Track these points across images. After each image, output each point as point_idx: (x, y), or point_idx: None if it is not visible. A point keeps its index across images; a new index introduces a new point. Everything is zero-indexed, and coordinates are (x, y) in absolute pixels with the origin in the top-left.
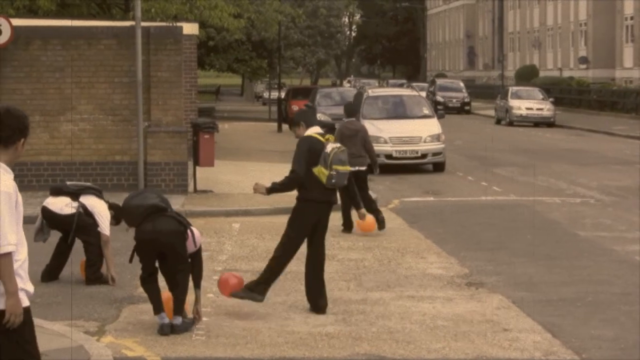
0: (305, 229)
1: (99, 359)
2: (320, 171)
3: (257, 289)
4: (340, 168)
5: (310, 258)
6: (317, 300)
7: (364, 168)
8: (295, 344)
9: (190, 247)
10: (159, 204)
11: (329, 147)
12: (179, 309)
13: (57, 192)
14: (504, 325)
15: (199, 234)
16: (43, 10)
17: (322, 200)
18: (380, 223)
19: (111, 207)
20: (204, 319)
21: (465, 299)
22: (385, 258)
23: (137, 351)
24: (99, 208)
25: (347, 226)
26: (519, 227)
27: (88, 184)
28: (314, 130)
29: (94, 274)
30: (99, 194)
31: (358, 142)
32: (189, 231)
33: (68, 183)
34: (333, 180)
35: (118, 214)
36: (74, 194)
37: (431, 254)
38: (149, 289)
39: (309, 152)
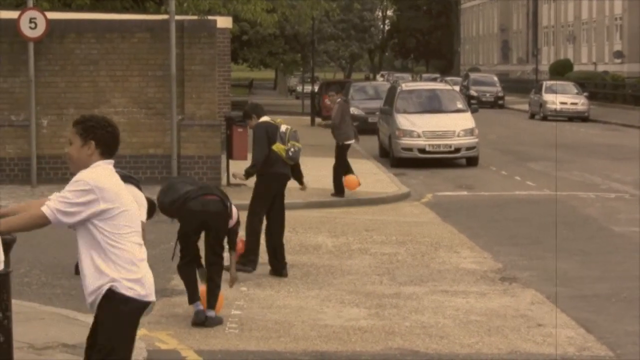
0: (267, 201)
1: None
2: (279, 147)
3: (249, 265)
4: (296, 144)
5: (270, 227)
6: (280, 264)
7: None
8: (328, 337)
9: (231, 224)
10: (190, 189)
11: (283, 127)
12: (212, 303)
13: None
14: (538, 321)
15: (235, 209)
16: (77, 3)
17: (282, 172)
18: None
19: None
20: (237, 312)
21: (499, 293)
22: (418, 252)
23: (171, 344)
24: (140, 198)
25: (339, 191)
26: (553, 222)
27: (129, 173)
28: (265, 119)
29: None
30: (138, 185)
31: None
32: (231, 209)
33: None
34: (290, 154)
35: (152, 210)
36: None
37: (464, 248)
38: (187, 276)
39: (267, 135)
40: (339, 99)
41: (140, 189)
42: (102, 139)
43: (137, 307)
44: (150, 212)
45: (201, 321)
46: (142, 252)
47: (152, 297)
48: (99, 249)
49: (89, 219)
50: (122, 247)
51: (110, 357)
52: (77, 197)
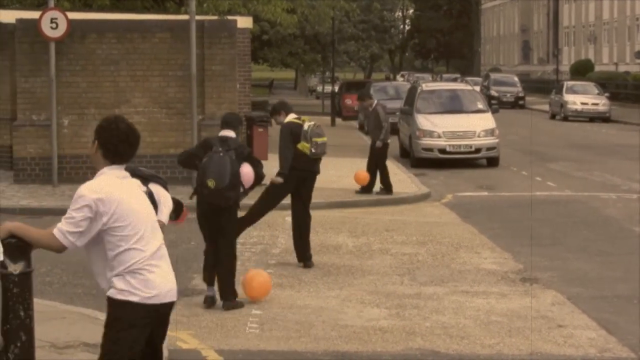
0: (280, 197)
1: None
2: (304, 146)
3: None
4: (319, 140)
5: (299, 222)
6: (305, 255)
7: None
8: (349, 338)
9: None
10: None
11: (306, 125)
12: (225, 293)
13: (130, 173)
14: (559, 322)
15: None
16: (98, 3)
17: (306, 168)
18: None
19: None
20: (258, 312)
21: (520, 294)
22: (439, 253)
23: (191, 343)
24: (165, 197)
25: (388, 189)
26: (574, 222)
27: (156, 173)
28: (292, 117)
29: None
30: (165, 185)
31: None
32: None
33: (140, 168)
34: (314, 150)
35: (179, 211)
36: (145, 179)
37: (485, 249)
38: (209, 259)
39: (291, 134)
40: (375, 102)
41: (166, 189)
42: (105, 140)
43: (139, 311)
44: (177, 213)
45: (208, 305)
46: (149, 255)
47: (162, 299)
48: (102, 254)
49: (98, 233)
50: (122, 255)
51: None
52: (80, 213)
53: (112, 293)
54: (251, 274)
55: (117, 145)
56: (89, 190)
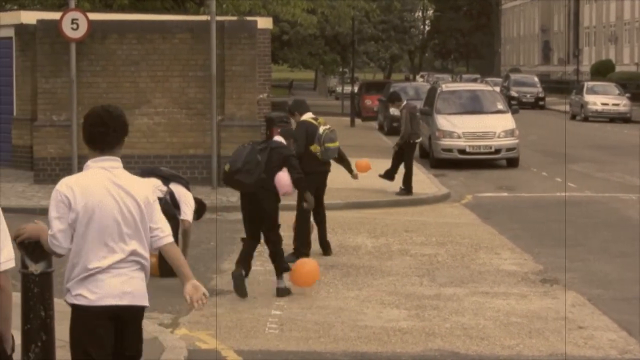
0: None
1: (173, 350)
2: (316, 148)
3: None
4: (331, 145)
5: (322, 219)
6: (326, 247)
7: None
8: (368, 338)
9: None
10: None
11: (321, 129)
12: (280, 273)
13: (148, 173)
14: (579, 323)
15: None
16: (118, 4)
17: (319, 170)
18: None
19: (194, 201)
20: (277, 312)
21: (540, 295)
22: (458, 253)
23: (211, 344)
24: (186, 196)
25: (408, 190)
26: (594, 223)
27: (177, 173)
28: (308, 116)
29: (169, 266)
30: (186, 184)
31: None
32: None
33: (161, 168)
34: (323, 155)
35: (202, 210)
36: (166, 178)
37: (505, 250)
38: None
39: (306, 134)
40: (404, 104)
41: (188, 188)
42: (83, 126)
43: (87, 314)
44: (200, 212)
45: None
46: (106, 257)
47: (105, 301)
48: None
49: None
50: (77, 257)
51: None
52: (55, 209)
53: (67, 298)
54: (301, 262)
55: (91, 128)
56: (61, 184)
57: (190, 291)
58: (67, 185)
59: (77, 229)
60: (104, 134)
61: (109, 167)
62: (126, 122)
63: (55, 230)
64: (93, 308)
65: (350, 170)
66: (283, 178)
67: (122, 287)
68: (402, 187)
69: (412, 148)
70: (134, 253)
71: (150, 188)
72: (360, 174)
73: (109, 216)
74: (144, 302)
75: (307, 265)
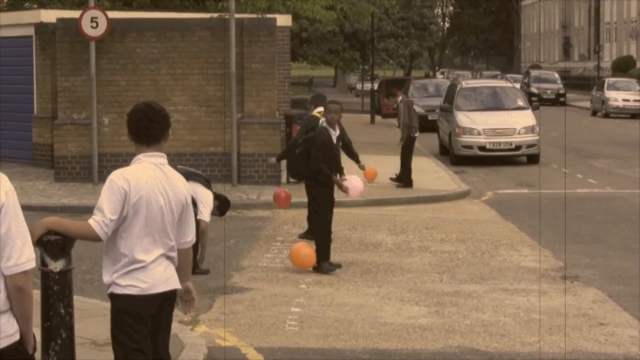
0: (330, 200)
1: (193, 348)
2: None
3: (324, 267)
4: None
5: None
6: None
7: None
8: (388, 335)
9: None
10: None
11: (320, 121)
12: (318, 256)
13: None
14: (600, 320)
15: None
16: (137, 2)
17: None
18: None
19: (217, 197)
20: (297, 309)
21: (560, 292)
22: (478, 250)
23: (231, 341)
24: (203, 195)
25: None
26: (615, 220)
27: (198, 171)
28: (317, 110)
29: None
30: (205, 182)
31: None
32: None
33: (178, 166)
34: None
35: (226, 207)
36: (185, 177)
37: (525, 246)
38: None
39: (306, 128)
40: (399, 99)
41: (207, 186)
42: (128, 122)
43: (140, 303)
44: (224, 209)
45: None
46: (152, 251)
47: (156, 289)
48: (107, 248)
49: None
50: (124, 249)
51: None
52: (109, 198)
53: (114, 289)
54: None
55: (137, 122)
56: (116, 174)
57: (182, 294)
58: (124, 177)
59: (126, 221)
60: (149, 128)
61: (158, 164)
62: (168, 115)
63: (108, 218)
64: (145, 297)
65: (357, 161)
66: (358, 185)
67: (165, 273)
68: (393, 178)
69: (412, 142)
70: (172, 248)
71: (189, 189)
72: (369, 182)
73: (157, 212)
74: (178, 285)
75: (303, 249)
